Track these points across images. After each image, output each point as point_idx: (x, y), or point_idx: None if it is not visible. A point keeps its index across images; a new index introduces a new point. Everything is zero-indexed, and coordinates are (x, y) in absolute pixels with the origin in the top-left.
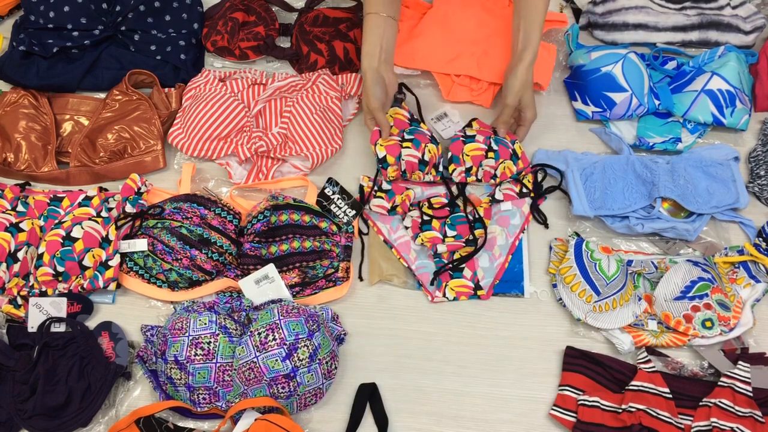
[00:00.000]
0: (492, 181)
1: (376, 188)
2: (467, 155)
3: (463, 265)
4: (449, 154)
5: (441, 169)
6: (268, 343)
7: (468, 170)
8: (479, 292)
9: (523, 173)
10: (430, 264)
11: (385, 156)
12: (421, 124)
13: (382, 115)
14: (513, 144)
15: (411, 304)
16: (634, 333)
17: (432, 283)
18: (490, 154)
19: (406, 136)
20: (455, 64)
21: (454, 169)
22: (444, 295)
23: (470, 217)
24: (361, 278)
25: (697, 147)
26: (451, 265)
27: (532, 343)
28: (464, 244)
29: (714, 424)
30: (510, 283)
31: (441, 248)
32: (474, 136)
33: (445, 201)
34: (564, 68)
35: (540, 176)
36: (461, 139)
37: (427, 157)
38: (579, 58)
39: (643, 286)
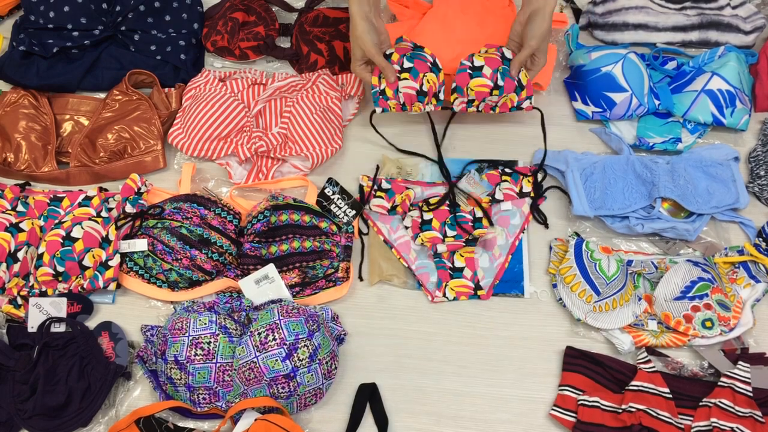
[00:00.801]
0: (492, 111)
1: (376, 188)
2: (472, 89)
3: (463, 265)
4: (453, 84)
5: (441, 97)
6: (268, 343)
7: (470, 102)
8: (479, 292)
9: (522, 176)
10: (430, 264)
11: (384, 88)
12: (425, 49)
13: (381, 58)
14: (519, 73)
15: (411, 304)
16: (634, 333)
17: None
18: (495, 92)
19: (405, 64)
20: (455, 64)
21: (456, 98)
22: (444, 295)
23: (471, 216)
24: (361, 278)
25: (697, 147)
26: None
27: (532, 343)
28: (464, 244)
29: (714, 424)
30: (510, 283)
31: (441, 248)
32: (482, 68)
33: (440, 198)
34: (564, 68)
35: (540, 176)
36: (468, 71)
37: (425, 88)
38: (579, 58)
39: (643, 286)
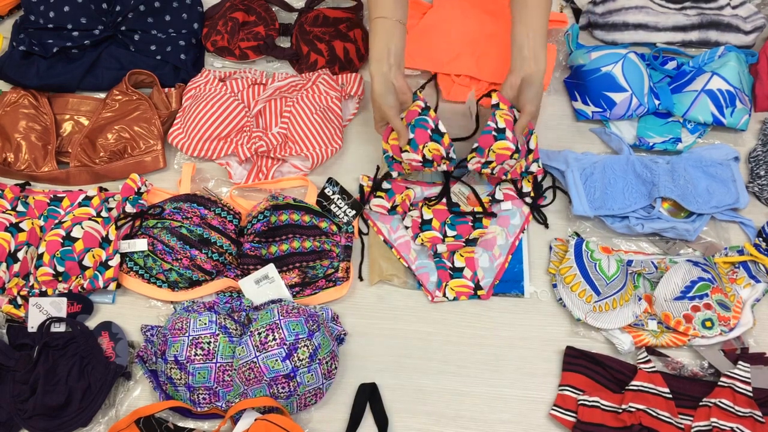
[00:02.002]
0: (504, 176)
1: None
2: (494, 151)
3: (463, 265)
4: (475, 145)
5: (453, 156)
6: (268, 343)
7: (487, 163)
8: (479, 292)
9: (531, 174)
10: (430, 264)
11: (392, 155)
12: (430, 112)
13: (398, 121)
14: (531, 134)
15: (411, 304)
16: (634, 333)
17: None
18: (515, 155)
19: (409, 135)
20: (455, 64)
21: (473, 158)
22: (444, 295)
23: (471, 217)
24: (361, 278)
25: (697, 147)
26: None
27: (532, 343)
28: (464, 244)
29: (714, 424)
30: (510, 283)
31: (441, 248)
32: (504, 130)
33: (437, 196)
34: (564, 68)
35: (540, 176)
36: (493, 134)
37: (429, 156)
38: (579, 58)
39: (643, 286)
